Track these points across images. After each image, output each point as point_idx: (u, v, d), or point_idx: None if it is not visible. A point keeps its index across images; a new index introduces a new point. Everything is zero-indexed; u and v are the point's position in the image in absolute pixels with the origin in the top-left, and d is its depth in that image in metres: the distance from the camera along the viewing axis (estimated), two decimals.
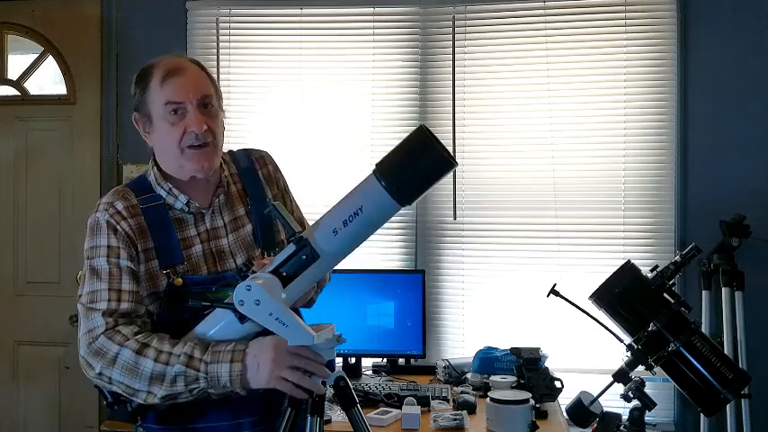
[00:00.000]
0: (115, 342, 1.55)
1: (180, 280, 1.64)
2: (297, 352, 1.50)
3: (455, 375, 3.01)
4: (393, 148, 1.48)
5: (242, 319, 1.53)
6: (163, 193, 1.71)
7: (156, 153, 1.74)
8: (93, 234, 1.66)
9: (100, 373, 1.55)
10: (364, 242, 1.51)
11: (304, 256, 1.48)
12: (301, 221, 1.87)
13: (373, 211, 1.47)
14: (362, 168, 3.32)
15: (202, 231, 1.72)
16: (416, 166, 1.44)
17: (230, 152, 1.86)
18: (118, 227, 1.64)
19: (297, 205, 1.92)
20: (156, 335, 1.58)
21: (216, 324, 1.58)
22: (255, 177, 1.82)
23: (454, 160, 1.46)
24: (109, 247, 1.63)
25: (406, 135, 1.47)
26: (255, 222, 1.77)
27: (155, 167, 1.74)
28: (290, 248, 1.50)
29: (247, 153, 1.86)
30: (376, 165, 1.46)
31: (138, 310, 1.62)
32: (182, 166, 1.68)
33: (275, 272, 1.51)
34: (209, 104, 1.68)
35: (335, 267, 1.56)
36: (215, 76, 1.80)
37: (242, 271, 1.55)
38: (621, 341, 1.99)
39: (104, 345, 1.55)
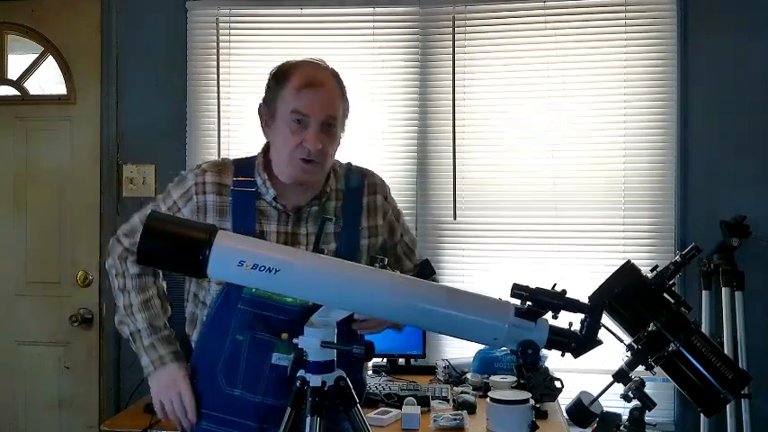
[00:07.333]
0: (119, 274, 1.82)
1: None
2: (161, 399, 1.77)
3: (455, 375, 3.01)
4: None
5: None
6: (259, 181, 1.76)
7: (271, 146, 1.79)
8: (177, 184, 1.81)
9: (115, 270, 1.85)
10: None
11: None
12: (412, 244, 1.99)
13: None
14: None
15: (282, 231, 1.74)
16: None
17: (348, 166, 1.86)
18: (194, 197, 1.76)
19: (407, 229, 1.99)
20: (140, 283, 1.81)
21: None
22: (358, 202, 1.83)
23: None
24: (174, 202, 1.79)
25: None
26: (341, 243, 1.76)
27: (262, 155, 1.79)
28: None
29: (363, 174, 1.87)
30: None
31: None
32: (285, 169, 1.72)
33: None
34: (332, 125, 1.71)
35: None
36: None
37: (376, 260, 1.55)
38: (621, 341, 1.99)
39: (114, 264, 1.83)
